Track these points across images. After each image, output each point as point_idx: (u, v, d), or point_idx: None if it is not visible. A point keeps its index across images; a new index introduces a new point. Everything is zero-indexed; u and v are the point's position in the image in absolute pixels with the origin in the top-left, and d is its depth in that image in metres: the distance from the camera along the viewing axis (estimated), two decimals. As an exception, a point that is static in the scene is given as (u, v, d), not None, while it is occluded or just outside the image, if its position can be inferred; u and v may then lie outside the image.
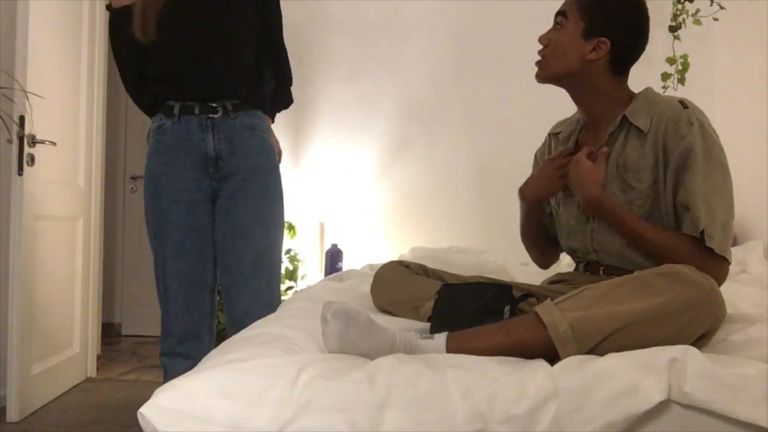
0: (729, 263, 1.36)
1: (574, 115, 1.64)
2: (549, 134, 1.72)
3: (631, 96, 1.49)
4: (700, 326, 1.08)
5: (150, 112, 1.99)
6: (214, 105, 1.89)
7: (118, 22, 1.90)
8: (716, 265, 1.33)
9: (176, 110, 1.89)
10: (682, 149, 1.36)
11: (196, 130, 1.89)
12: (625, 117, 1.44)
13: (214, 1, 1.90)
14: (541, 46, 1.51)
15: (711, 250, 1.32)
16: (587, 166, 1.44)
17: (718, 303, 1.10)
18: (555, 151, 1.65)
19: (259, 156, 1.94)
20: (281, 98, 2.11)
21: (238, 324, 1.85)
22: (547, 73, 1.50)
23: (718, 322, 1.13)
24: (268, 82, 2.06)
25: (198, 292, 1.94)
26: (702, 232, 1.32)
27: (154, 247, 1.94)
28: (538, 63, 1.52)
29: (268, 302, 1.89)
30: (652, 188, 1.41)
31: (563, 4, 1.50)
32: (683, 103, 1.41)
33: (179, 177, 1.90)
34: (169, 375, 1.93)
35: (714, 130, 1.39)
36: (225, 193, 1.92)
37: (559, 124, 1.70)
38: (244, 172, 1.91)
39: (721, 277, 1.34)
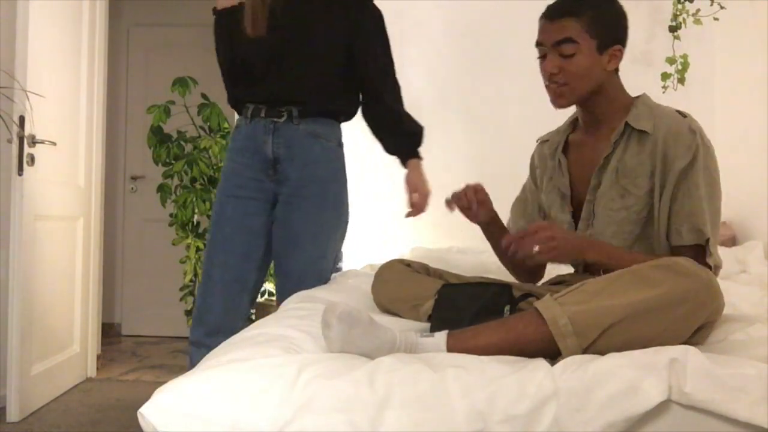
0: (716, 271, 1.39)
1: (563, 125, 1.64)
2: (537, 142, 1.71)
3: (627, 96, 1.49)
4: (699, 317, 1.09)
5: (237, 112, 2.04)
6: (281, 110, 1.90)
7: (224, 21, 1.93)
8: (712, 271, 1.36)
9: (249, 112, 1.94)
10: (689, 158, 1.37)
11: (261, 132, 1.91)
12: (627, 123, 1.44)
13: (305, 8, 1.90)
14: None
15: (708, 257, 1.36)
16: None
17: (715, 293, 1.11)
18: (540, 158, 1.65)
19: (318, 164, 1.94)
20: (397, 132, 2.03)
21: None
22: (572, 99, 1.45)
23: (717, 313, 1.14)
24: (352, 101, 2.02)
25: (237, 290, 1.95)
26: (707, 241, 1.35)
27: (208, 236, 2.00)
28: (559, 91, 1.44)
29: None
30: (649, 195, 1.41)
31: (558, 30, 1.40)
32: (681, 113, 1.43)
33: (240, 174, 1.94)
34: (193, 364, 1.95)
35: (709, 140, 1.42)
36: (282, 198, 1.94)
37: (548, 133, 1.68)
38: (301, 179, 1.92)
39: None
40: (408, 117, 2.06)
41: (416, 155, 2.04)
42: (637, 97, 1.50)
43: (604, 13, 1.43)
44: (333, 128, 2.00)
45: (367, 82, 2.01)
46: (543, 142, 1.68)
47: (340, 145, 2.04)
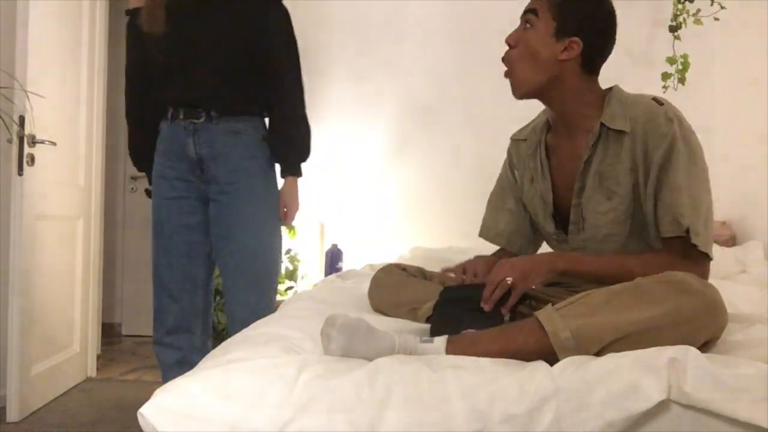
0: (711, 260, 1.34)
1: (535, 121, 1.60)
2: (512, 139, 1.66)
3: (600, 94, 1.44)
4: (702, 336, 1.07)
5: (133, 119, 2.05)
6: (199, 110, 1.92)
7: (133, 20, 1.96)
8: (700, 263, 1.33)
9: (169, 114, 1.96)
10: (666, 147, 1.33)
11: (182, 134, 1.94)
12: (602, 124, 1.39)
13: (206, 7, 1.90)
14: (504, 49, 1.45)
15: (694, 247, 1.31)
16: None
17: (719, 313, 1.10)
18: (518, 159, 1.60)
19: (243, 160, 1.94)
20: (283, 139, 1.97)
21: (230, 325, 1.99)
22: (525, 87, 1.42)
23: (720, 331, 1.12)
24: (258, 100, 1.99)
25: (189, 287, 2.00)
26: (687, 230, 1.30)
27: (151, 241, 2.03)
28: (510, 75, 1.42)
29: (255, 304, 1.94)
30: (632, 191, 1.39)
31: (532, 2, 1.43)
32: (657, 101, 1.38)
33: (169, 177, 1.98)
34: (160, 363, 2.04)
35: (690, 125, 1.37)
36: (212, 197, 1.96)
37: (522, 130, 1.64)
38: (227, 176, 1.93)
39: (705, 275, 1.33)
40: (296, 127, 1.98)
41: (292, 171, 2.00)
42: (609, 89, 1.44)
43: (578, 3, 1.39)
44: (254, 124, 1.99)
45: (265, 82, 1.97)
46: (519, 140, 1.63)
47: (265, 139, 2.01)
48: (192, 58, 1.89)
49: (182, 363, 1.97)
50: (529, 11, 1.42)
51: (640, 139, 1.36)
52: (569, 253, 1.42)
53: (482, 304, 1.26)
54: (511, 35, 1.43)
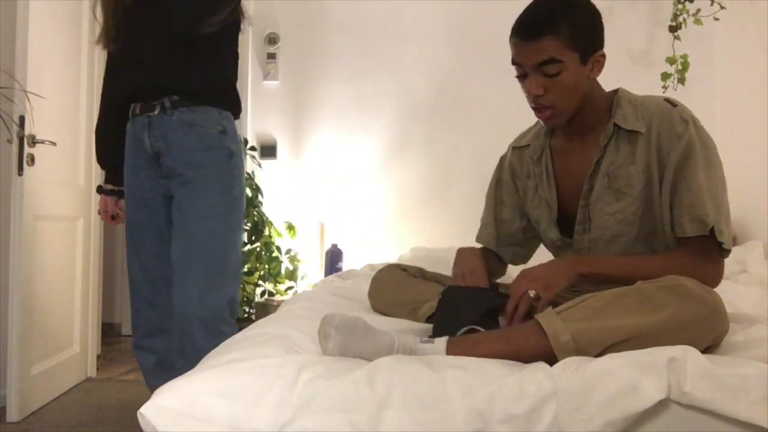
0: (727, 257, 1.36)
1: (536, 126, 1.59)
2: (513, 148, 1.64)
3: (606, 96, 1.44)
4: (702, 342, 1.07)
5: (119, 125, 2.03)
6: (154, 103, 1.87)
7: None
8: (719, 261, 1.34)
9: (130, 112, 1.93)
10: (682, 148, 1.33)
11: (139, 130, 1.90)
12: (615, 125, 1.40)
13: (144, 6, 1.88)
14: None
15: (714, 246, 1.32)
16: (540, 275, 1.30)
17: (720, 319, 1.10)
18: (522, 166, 1.59)
19: (197, 152, 1.87)
20: None
21: (175, 317, 1.82)
22: (564, 118, 1.40)
23: (721, 337, 1.13)
24: (218, 72, 1.92)
25: (161, 288, 1.93)
26: (711, 229, 1.31)
27: (125, 243, 2.02)
28: (548, 114, 1.38)
29: (199, 299, 1.79)
30: (644, 192, 1.38)
31: (537, 51, 1.32)
32: (670, 102, 1.39)
33: (135, 175, 1.94)
34: (140, 367, 1.99)
35: (703, 126, 1.38)
36: (172, 191, 1.90)
37: (522, 137, 1.62)
38: (182, 169, 1.86)
39: (722, 272, 1.34)
40: None
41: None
42: (615, 91, 1.45)
43: (581, 22, 1.34)
44: (212, 116, 1.90)
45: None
46: (521, 147, 1.61)
47: (225, 132, 1.91)
48: (137, 47, 1.85)
49: (161, 365, 1.92)
50: (546, 62, 1.32)
51: (655, 140, 1.36)
52: (588, 256, 1.41)
53: (505, 320, 1.25)
54: (533, 86, 1.36)
